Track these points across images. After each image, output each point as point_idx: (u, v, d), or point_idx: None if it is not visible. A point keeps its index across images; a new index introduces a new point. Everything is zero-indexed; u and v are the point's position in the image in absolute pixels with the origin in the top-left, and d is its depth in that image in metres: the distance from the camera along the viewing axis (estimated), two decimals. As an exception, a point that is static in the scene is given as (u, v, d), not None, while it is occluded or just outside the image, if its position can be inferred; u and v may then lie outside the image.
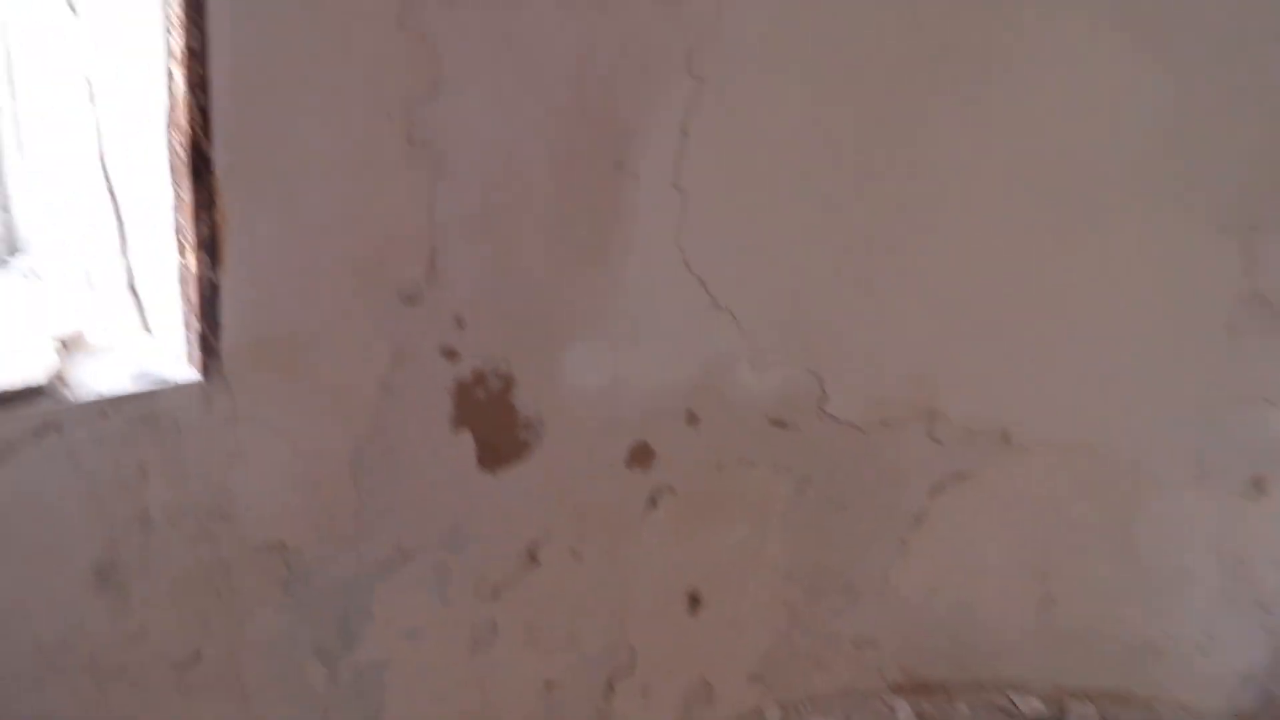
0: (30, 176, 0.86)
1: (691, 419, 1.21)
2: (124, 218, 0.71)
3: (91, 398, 0.61)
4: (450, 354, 0.90)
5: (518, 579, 1.10)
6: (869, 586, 1.54)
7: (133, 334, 0.73)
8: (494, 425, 0.99)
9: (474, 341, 0.92)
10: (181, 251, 0.65)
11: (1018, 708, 1.51)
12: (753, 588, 1.44)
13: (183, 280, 0.66)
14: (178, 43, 0.58)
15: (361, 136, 0.71)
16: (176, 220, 0.64)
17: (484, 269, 0.89)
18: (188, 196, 0.63)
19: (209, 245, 0.65)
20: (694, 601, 1.39)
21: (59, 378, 0.61)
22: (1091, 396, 1.32)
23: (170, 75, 0.59)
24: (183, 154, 0.62)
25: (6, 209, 0.89)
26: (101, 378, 0.64)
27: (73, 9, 0.69)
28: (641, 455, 1.18)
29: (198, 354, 0.67)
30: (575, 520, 1.15)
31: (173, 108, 0.61)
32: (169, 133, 0.62)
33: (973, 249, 1.20)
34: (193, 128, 0.61)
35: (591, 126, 0.88)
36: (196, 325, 0.67)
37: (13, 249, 0.92)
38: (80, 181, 0.75)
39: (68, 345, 0.67)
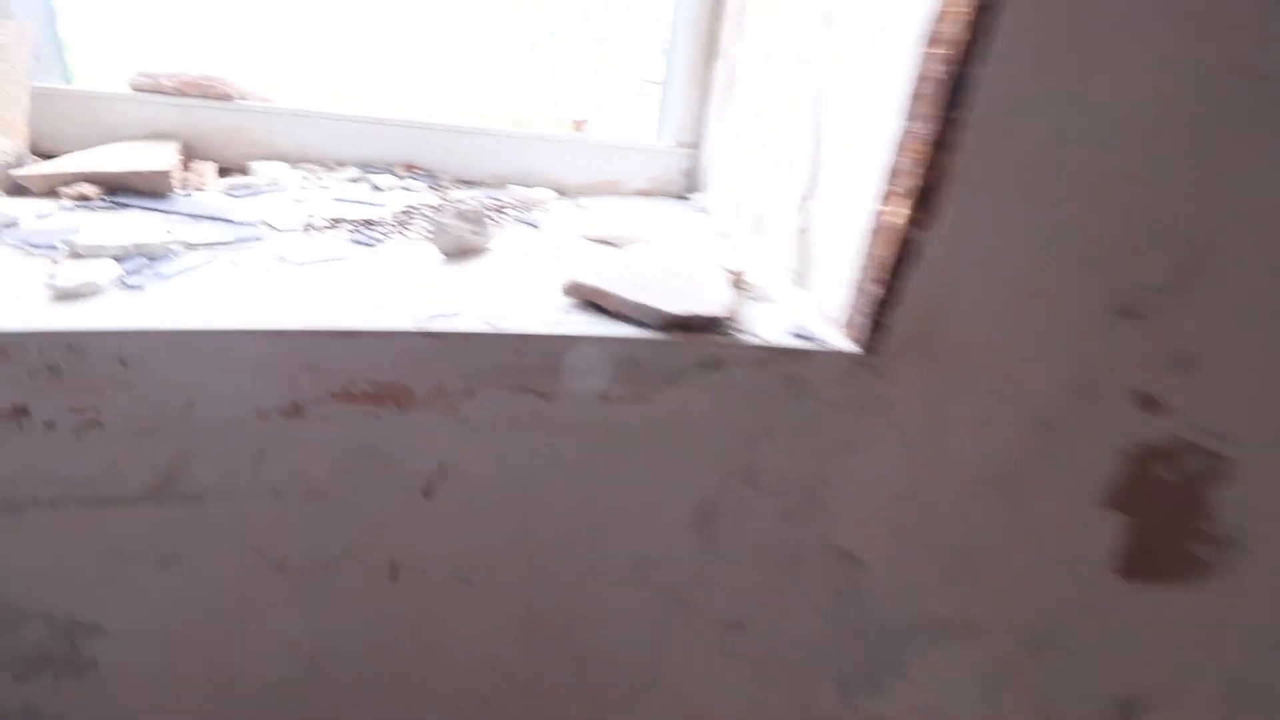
0: (719, 118, 0.92)
1: None
2: (821, 158, 0.65)
3: (754, 343, 0.57)
4: (1147, 402, 0.61)
5: (1097, 728, 0.76)
6: None
7: (790, 284, 0.69)
8: (1163, 521, 0.66)
9: (1192, 395, 0.60)
10: (885, 198, 0.54)
11: None
12: None
13: (875, 232, 0.55)
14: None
15: (1185, 90, 0.47)
16: (894, 160, 0.53)
17: (1265, 291, 0.55)
18: (922, 130, 0.50)
19: (924, 196, 0.51)
20: None
21: (733, 316, 0.59)
22: None
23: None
24: (939, 75, 0.48)
25: (697, 149, 0.98)
26: (765, 325, 0.60)
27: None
28: None
29: (862, 322, 0.57)
30: (1228, 703, 0.73)
31: (940, 15, 0.48)
32: (924, 48, 0.50)
33: None
34: (963, 42, 0.47)
35: None
36: (871, 289, 0.56)
37: (693, 186, 1.02)
38: (773, 122, 0.74)
39: (737, 284, 0.66)
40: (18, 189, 0.66)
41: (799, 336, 0.59)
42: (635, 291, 0.57)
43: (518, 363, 0.54)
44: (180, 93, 0.82)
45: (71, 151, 0.76)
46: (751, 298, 0.66)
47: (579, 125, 1.49)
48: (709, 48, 0.93)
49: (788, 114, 0.72)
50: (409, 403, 0.53)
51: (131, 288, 0.51)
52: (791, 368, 0.58)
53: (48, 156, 0.75)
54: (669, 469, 0.62)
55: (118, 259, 0.54)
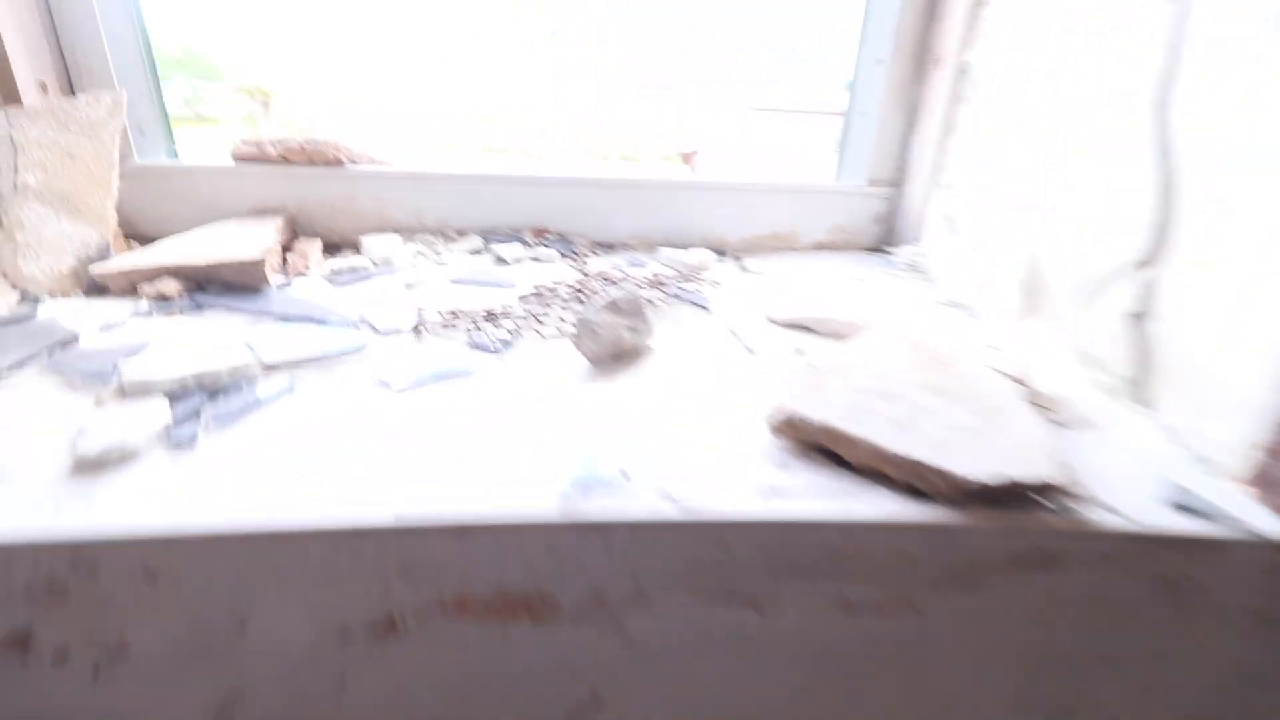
0: (937, 147, 0.67)
1: None
2: (1175, 202, 0.41)
3: (1113, 528, 0.34)
4: None
5: None
6: None
7: (1112, 396, 0.45)
8: None
9: None
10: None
11: None
12: None
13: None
14: None
15: None
16: None
17: None
18: None
19: None
20: None
21: (1067, 474, 0.36)
22: None
23: None
24: None
25: (897, 189, 0.74)
26: (1117, 487, 0.36)
27: None
28: None
29: (1289, 486, 0.33)
30: None
31: None
32: None
33: None
34: None
35: None
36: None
37: (889, 237, 0.79)
38: (1053, 146, 0.49)
39: (1032, 401, 0.43)
40: (96, 287, 0.56)
41: (1183, 509, 0.35)
42: (897, 436, 0.36)
43: (715, 560, 0.34)
44: (285, 160, 0.71)
45: (172, 232, 0.67)
46: (1057, 421, 0.43)
47: (688, 158, 1.31)
48: (918, 57, 0.71)
49: (1090, 135, 0.49)
50: (551, 616, 0.35)
51: (178, 445, 0.36)
52: (1172, 564, 0.34)
53: (146, 239, 0.67)
54: (941, 705, 0.40)
55: (171, 396, 0.40)
